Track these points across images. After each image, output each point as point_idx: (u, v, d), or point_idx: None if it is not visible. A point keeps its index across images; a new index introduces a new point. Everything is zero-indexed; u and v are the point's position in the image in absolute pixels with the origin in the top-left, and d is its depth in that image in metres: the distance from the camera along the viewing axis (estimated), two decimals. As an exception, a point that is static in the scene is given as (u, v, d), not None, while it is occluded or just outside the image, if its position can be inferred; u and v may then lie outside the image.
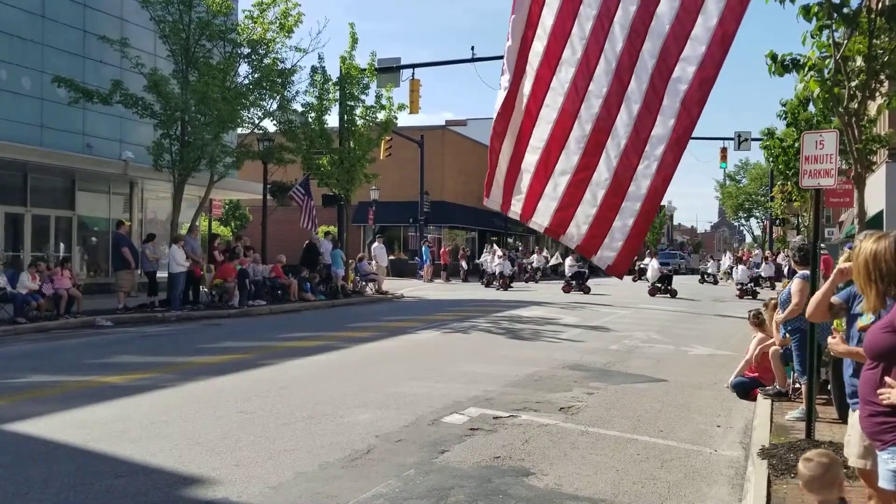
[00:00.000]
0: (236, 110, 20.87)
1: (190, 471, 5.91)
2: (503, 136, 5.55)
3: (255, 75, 21.69)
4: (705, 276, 39.93)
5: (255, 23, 21.59)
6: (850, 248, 4.20)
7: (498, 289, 30.89)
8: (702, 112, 4.92)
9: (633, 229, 5.18)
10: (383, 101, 25.75)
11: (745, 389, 9.20)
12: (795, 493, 5.28)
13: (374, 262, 28.14)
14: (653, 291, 27.74)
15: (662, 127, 4.97)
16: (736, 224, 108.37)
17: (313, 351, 12.42)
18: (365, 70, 25.30)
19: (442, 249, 40.88)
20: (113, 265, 20.83)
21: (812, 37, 8.61)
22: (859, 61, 8.84)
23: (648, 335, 15.28)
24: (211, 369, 10.45)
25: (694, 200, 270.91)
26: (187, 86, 19.86)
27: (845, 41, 8.52)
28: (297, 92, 23.46)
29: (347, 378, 10.00)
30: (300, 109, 24.30)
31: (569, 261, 30.56)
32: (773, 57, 8.75)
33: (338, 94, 24.96)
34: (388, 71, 28.47)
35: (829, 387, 7.85)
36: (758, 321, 9.72)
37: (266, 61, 21.57)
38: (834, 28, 8.36)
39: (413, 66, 29.81)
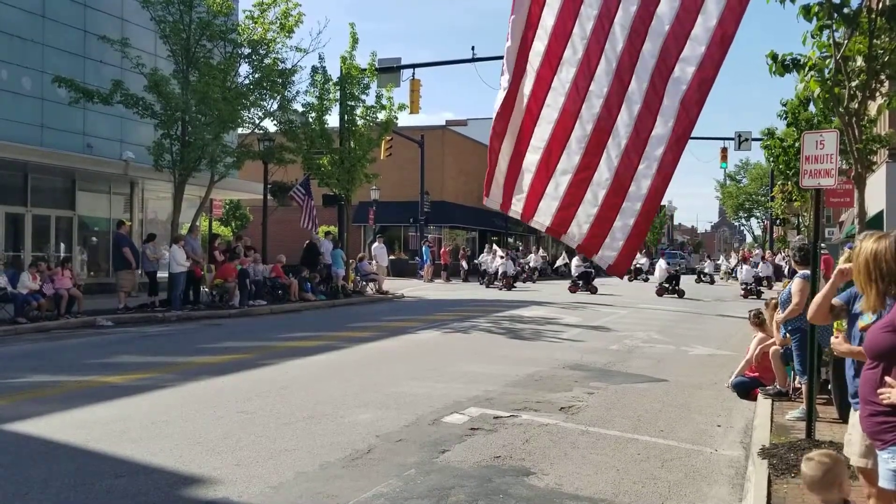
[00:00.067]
0: (237, 110, 20.88)
1: (190, 470, 5.92)
2: (503, 135, 5.56)
3: (256, 75, 21.70)
4: (702, 276, 39.93)
5: (256, 23, 21.59)
6: (851, 248, 4.19)
7: (501, 289, 30.77)
8: (700, 112, 4.94)
9: (634, 229, 5.19)
10: (384, 101, 25.76)
11: (746, 389, 9.20)
12: (796, 493, 5.29)
13: (374, 261, 28.14)
14: (660, 291, 27.64)
15: (662, 127, 4.98)
16: (736, 224, 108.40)
17: (314, 351, 12.43)
18: (365, 70, 25.30)
19: (442, 249, 40.87)
20: (113, 265, 20.84)
21: (812, 37, 8.62)
22: (860, 61, 8.84)
23: (649, 335, 15.28)
24: (211, 369, 10.45)
25: (694, 200, 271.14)
26: (188, 86, 19.87)
27: (846, 41, 8.52)
28: (298, 92, 23.48)
29: (348, 378, 10.00)
30: (301, 109, 24.32)
31: (575, 261, 30.24)
32: (774, 57, 8.76)
33: (338, 94, 24.96)
34: (389, 71, 28.48)
35: (829, 387, 7.86)
36: (758, 321, 9.72)
37: (266, 61, 21.57)
38: (834, 28, 8.37)
39: (413, 66, 29.82)
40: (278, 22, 21.62)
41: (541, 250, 44.30)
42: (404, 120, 46.46)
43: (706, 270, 40.89)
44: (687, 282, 38.05)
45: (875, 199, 21.88)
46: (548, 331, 16.05)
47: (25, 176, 21.62)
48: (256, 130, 23.70)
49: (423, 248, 37.90)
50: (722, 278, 44.24)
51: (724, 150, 44.99)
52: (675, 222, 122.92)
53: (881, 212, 22.54)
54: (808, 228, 32.98)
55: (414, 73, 29.42)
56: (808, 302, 6.50)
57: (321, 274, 24.07)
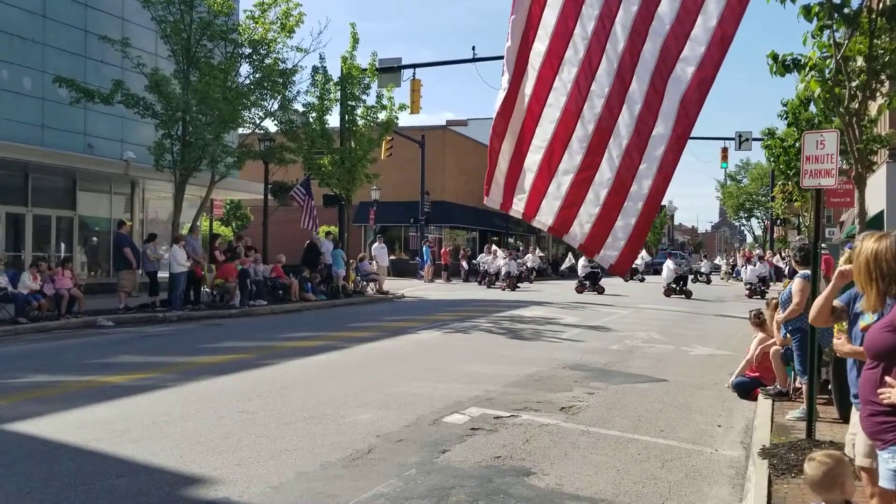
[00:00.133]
0: (237, 110, 20.89)
1: (191, 470, 5.92)
2: (503, 135, 5.57)
3: (257, 75, 21.72)
4: (698, 276, 39.95)
5: (257, 23, 21.62)
6: (851, 248, 4.19)
7: (504, 289, 30.65)
8: (700, 112, 4.94)
9: (636, 229, 5.20)
10: (384, 101, 25.76)
11: (746, 389, 9.20)
12: (796, 493, 5.29)
13: (374, 262, 28.15)
14: (668, 292, 27.53)
15: (663, 127, 4.99)
16: (737, 224, 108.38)
17: (314, 351, 12.43)
18: (366, 70, 25.30)
19: (443, 249, 40.88)
20: (114, 265, 20.85)
21: (813, 37, 8.61)
22: (860, 61, 8.84)
23: (649, 335, 15.28)
24: (212, 369, 10.46)
25: (695, 200, 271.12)
26: (188, 86, 19.88)
27: (846, 41, 8.52)
28: (299, 92, 23.49)
29: (348, 378, 10.01)
30: (301, 109, 24.34)
31: (582, 261, 29.81)
32: (775, 57, 8.76)
33: (339, 94, 24.96)
34: (389, 71, 28.49)
35: (829, 387, 7.86)
36: (758, 321, 9.73)
37: (267, 61, 21.60)
38: (835, 28, 8.36)
39: (414, 66, 29.82)
40: (279, 22, 21.65)
41: (538, 250, 44.28)
42: (405, 120, 46.56)
43: (702, 270, 40.92)
44: (686, 281, 38.12)
45: (875, 199, 21.87)
46: (548, 331, 16.05)
47: (26, 176, 21.64)
48: (257, 130, 23.72)
49: (424, 249, 37.90)
50: (722, 278, 44.25)
51: (725, 149, 45.00)
52: (676, 222, 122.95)
53: (881, 212, 22.54)
54: (809, 228, 32.98)
55: (414, 73, 29.46)
56: (809, 302, 6.51)
57: (322, 274, 24.08)
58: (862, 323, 3.94)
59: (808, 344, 6.93)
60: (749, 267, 31.35)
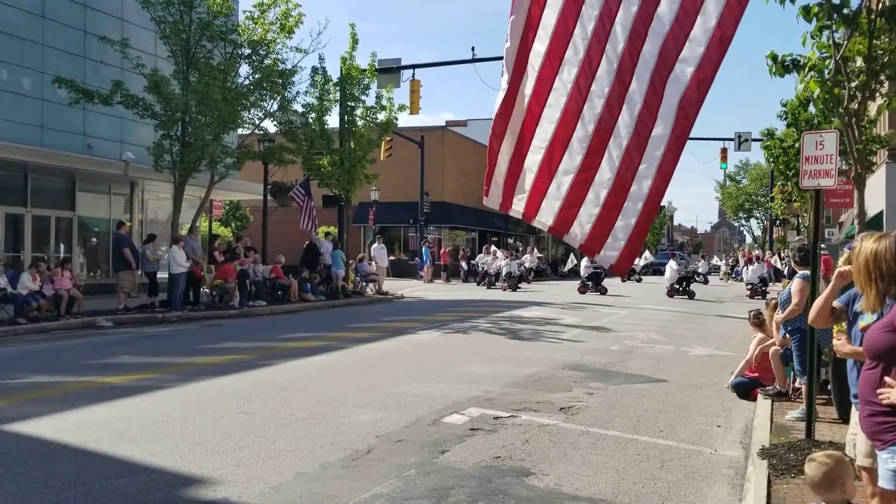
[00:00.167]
0: (237, 111, 20.89)
1: (191, 471, 5.92)
2: (502, 136, 5.57)
3: (256, 76, 21.72)
4: (695, 276, 39.92)
5: (256, 23, 21.62)
6: (850, 248, 4.19)
7: (505, 289, 30.61)
8: (699, 113, 4.95)
9: (635, 229, 5.20)
10: (384, 102, 25.78)
11: (746, 389, 9.21)
12: (796, 493, 5.29)
13: (374, 262, 28.14)
14: (671, 293, 27.48)
15: (662, 127, 5.00)
16: (736, 224, 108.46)
17: (314, 351, 12.43)
18: (365, 71, 25.31)
19: (442, 250, 40.89)
20: (113, 266, 20.84)
21: (812, 37, 8.62)
22: (859, 62, 8.85)
23: (649, 335, 15.28)
24: (211, 370, 10.46)
25: (694, 201, 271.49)
26: (188, 86, 19.88)
27: (845, 42, 8.52)
28: (298, 92, 23.51)
29: (348, 378, 10.01)
30: (301, 110, 24.34)
31: (584, 262, 29.71)
32: (774, 57, 8.76)
33: (338, 94, 24.97)
34: (389, 71, 28.46)
35: (829, 387, 7.86)
36: (758, 321, 9.73)
37: (267, 62, 21.60)
38: (834, 29, 8.37)
39: (413, 66, 29.79)
40: (278, 22, 21.66)
41: (536, 251, 44.28)
42: (404, 120, 46.64)
43: (700, 270, 40.89)
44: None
45: (875, 199, 21.88)
46: (547, 331, 16.05)
47: (25, 176, 21.63)
48: (256, 131, 23.73)
49: (423, 249, 37.90)
50: (721, 279, 44.25)
51: (724, 150, 45.01)
52: (675, 223, 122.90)
53: (881, 212, 22.55)
54: (808, 229, 32.98)
55: (414, 74, 29.44)
56: (808, 302, 6.52)
57: (321, 274, 24.07)
58: (861, 323, 3.94)
59: (807, 344, 6.93)
60: (750, 267, 31.34)
